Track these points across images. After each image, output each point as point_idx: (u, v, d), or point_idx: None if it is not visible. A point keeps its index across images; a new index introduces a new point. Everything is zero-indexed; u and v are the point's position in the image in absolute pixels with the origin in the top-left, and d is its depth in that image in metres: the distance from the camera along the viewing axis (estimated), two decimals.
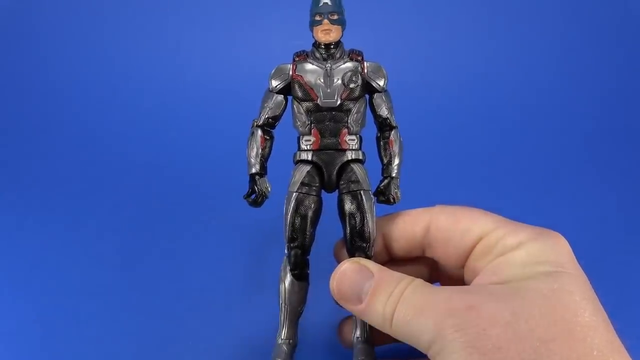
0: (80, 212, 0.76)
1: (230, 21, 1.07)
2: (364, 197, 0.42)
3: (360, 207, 0.41)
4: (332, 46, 0.43)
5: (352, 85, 0.42)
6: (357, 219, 0.41)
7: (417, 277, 0.36)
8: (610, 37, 1.08)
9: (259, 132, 0.44)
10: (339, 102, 0.42)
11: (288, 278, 0.43)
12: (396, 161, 0.43)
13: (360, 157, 0.43)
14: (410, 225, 0.42)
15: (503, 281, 0.34)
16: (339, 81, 0.42)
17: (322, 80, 0.42)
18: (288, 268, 0.43)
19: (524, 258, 0.34)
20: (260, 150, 0.43)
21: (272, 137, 0.45)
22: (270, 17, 1.04)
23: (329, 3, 0.42)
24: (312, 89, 0.42)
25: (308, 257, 0.43)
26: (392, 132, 0.44)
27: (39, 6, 1.08)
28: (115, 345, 0.51)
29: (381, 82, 0.43)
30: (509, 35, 1.08)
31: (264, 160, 0.44)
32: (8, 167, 0.89)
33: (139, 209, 0.77)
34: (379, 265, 0.38)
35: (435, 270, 0.46)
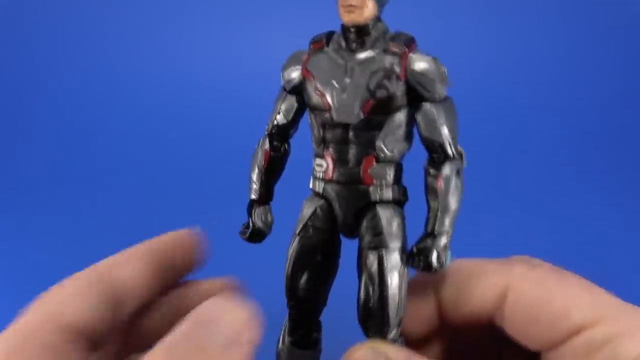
0: (80, 212, 0.76)
1: (230, 21, 1.07)
2: (386, 259, 0.29)
3: (380, 274, 0.29)
4: (363, 30, 0.29)
5: (379, 95, 0.28)
6: (373, 290, 0.29)
7: (468, 343, 0.28)
8: (616, 36, 1.08)
9: (266, 143, 0.33)
10: (361, 116, 0.29)
11: (286, 341, 0.34)
12: (442, 211, 0.29)
13: (392, 197, 0.30)
14: (479, 289, 0.30)
15: None
16: (364, 85, 0.28)
17: (337, 82, 0.29)
18: (287, 329, 0.34)
19: None
20: (262, 168, 0.33)
21: (284, 152, 0.33)
22: (271, 17, 1.04)
23: None
24: (323, 93, 0.29)
25: (319, 319, 0.34)
26: (445, 165, 0.29)
27: (38, 6, 1.08)
28: None
29: (433, 88, 0.29)
30: (512, 33, 1.08)
31: (267, 182, 0.33)
32: (8, 167, 0.89)
33: (139, 209, 0.77)
34: (406, 353, 0.27)
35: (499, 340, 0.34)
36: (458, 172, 0.29)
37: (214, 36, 1.08)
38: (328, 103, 0.29)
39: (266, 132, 0.33)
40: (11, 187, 0.84)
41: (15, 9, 1.09)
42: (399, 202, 0.31)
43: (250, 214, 0.33)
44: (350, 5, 0.28)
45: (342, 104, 0.29)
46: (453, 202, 0.29)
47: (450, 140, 0.29)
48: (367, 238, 0.30)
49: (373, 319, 0.29)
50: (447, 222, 0.29)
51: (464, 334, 0.33)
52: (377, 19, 0.29)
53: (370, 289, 0.29)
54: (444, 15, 1.08)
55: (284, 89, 0.32)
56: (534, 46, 1.08)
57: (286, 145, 0.34)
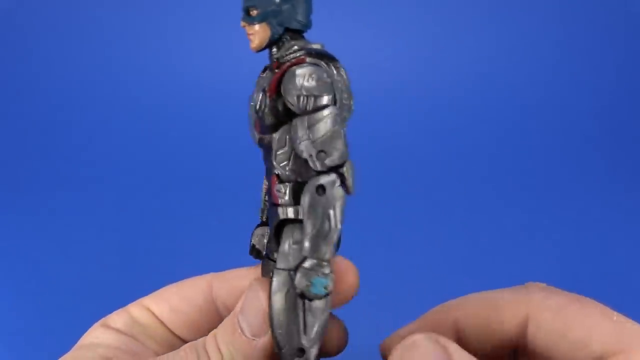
0: (80, 212, 0.76)
1: (229, 21, 1.07)
2: (274, 280, 0.27)
3: (270, 295, 0.27)
4: (272, 53, 0.29)
5: (259, 114, 0.28)
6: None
7: None
8: (615, 37, 1.08)
9: None
10: (256, 136, 0.29)
11: None
12: (304, 232, 0.26)
13: (294, 216, 0.27)
14: (499, 318, 0.29)
15: None
16: (255, 106, 0.28)
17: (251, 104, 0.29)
18: None
19: None
20: (264, 191, 0.31)
21: None
22: None
23: None
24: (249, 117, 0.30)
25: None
26: (309, 181, 0.26)
27: (39, 7, 1.08)
28: None
29: (294, 100, 0.26)
30: (509, 34, 1.07)
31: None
32: (8, 167, 0.89)
33: (139, 209, 0.77)
34: (467, 354, 0.25)
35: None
36: (320, 187, 0.26)
37: (213, 36, 1.08)
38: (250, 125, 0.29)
39: None
40: (11, 187, 0.85)
41: (15, 10, 1.09)
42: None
43: (252, 233, 0.32)
44: (248, 34, 0.28)
45: (250, 125, 0.29)
46: (311, 222, 0.26)
47: (314, 153, 0.26)
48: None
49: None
50: (307, 244, 0.26)
51: None
52: (290, 38, 0.28)
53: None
54: (444, 15, 1.08)
55: None
56: (534, 47, 1.08)
57: None
